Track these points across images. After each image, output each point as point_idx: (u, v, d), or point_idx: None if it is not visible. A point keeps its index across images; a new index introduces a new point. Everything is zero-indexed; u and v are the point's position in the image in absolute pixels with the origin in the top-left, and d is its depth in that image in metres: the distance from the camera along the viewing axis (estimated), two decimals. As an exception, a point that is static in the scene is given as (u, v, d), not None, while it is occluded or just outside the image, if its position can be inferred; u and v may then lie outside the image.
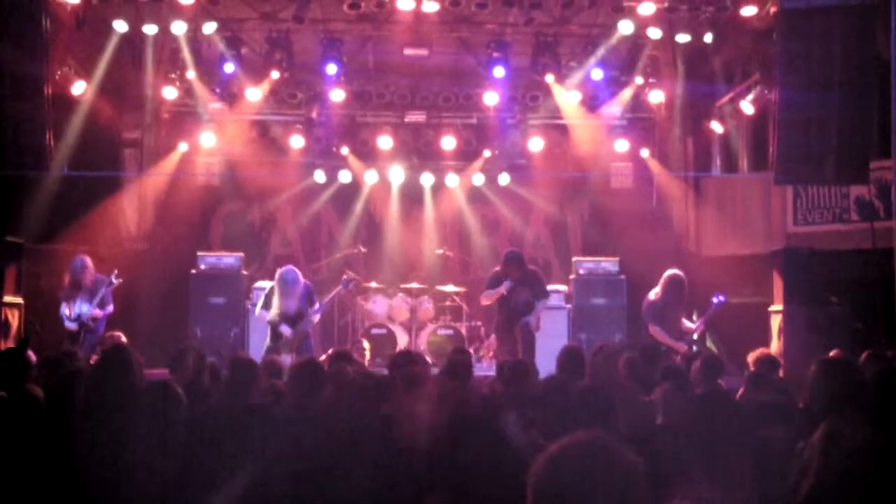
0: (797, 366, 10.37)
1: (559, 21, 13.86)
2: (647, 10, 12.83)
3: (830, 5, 11.10)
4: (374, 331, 14.30)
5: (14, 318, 12.40)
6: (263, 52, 14.22)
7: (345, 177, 16.01)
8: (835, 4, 11.08)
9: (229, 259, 14.58)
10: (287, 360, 10.44)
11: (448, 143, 15.90)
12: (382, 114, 16.03)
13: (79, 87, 13.19)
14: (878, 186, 12.32)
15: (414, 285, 14.92)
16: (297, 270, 11.37)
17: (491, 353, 13.62)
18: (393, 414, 4.75)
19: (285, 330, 11.04)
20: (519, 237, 16.63)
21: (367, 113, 16.06)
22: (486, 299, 11.74)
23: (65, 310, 11.54)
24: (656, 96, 15.33)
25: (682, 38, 13.89)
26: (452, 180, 16.24)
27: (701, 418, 6.46)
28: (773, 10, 11.85)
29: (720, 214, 15.19)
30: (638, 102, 15.57)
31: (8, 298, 12.35)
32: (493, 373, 9.65)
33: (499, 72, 14.09)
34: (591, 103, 15.22)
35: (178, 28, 13.45)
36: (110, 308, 11.72)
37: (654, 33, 13.62)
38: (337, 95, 14.87)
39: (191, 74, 14.42)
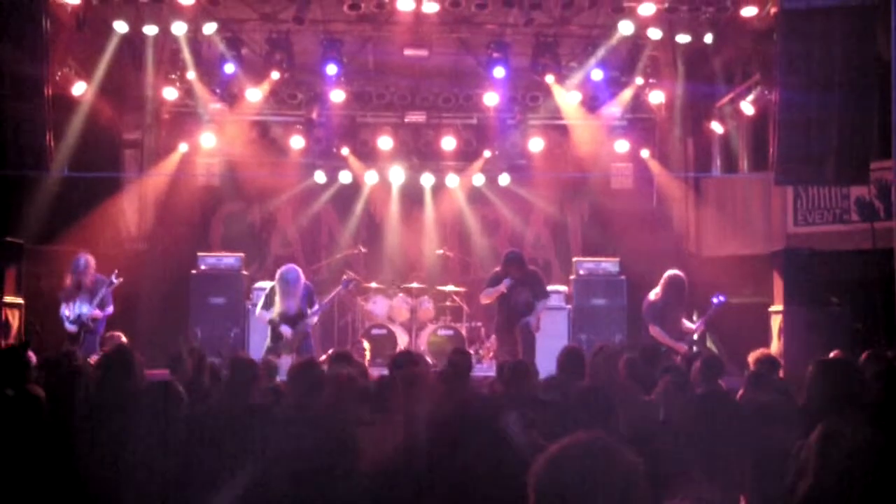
0: (797, 366, 10.35)
1: (559, 21, 13.86)
2: (647, 10, 12.82)
3: (831, 6, 11.09)
4: (375, 331, 14.30)
5: (14, 319, 12.39)
6: (264, 53, 14.22)
7: (345, 177, 16.01)
8: (835, 5, 11.08)
9: (229, 259, 14.58)
10: (287, 360, 10.45)
11: (448, 143, 15.90)
12: (382, 114, 16.03)
13: (79, 88, 13.19)
14: (879, 187, 12.32)
15: (414, 286, 14.92)
16: (298, 269, 11.37)
17: (491, 354, 13.62)
18: (393, 414, 4.76)
19: (285, 330, 11.05)
20: (519, 237, 16.62)
21: (367, 113, 16.06)
22: (486, 298, 11.74)
23: (65, 310, 11.55)
24: (656, 97, 15.33)
25: (683, 38, 13.89)
26: (452, 181, 16.24)
27: (701, 418, 6.48)
28: (773, 10, 11.85)
29: (720, 215, 15.19)
30: (638, 103, 15.57)
31: (8, 299, 12.34)
32: (493, 373, 9.65)
33: (499, 72, 14.09)
34: (592, 104, 15.23)
35: (179, 29, 13.46)
36: (110, 309, 11.72)
37: (655, 34, 13.62)
38: (337, 96, 14.87)
39: (191, 75, 14.42)
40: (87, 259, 11.65)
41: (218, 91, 14.66)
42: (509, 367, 7.11)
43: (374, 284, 15.01)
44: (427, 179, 16.26)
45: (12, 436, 4.94)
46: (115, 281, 11.59)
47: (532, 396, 5.52)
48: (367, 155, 16.09)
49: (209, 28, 13.58)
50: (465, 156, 16.26)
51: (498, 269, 11.73)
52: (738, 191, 15.04)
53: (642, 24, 13.35)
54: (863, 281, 12.23)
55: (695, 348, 10.99)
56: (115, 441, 4.66)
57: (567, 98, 14.92)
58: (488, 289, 11.66)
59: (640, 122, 16.15)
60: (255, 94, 14.59)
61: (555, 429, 4.34)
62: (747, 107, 13.84)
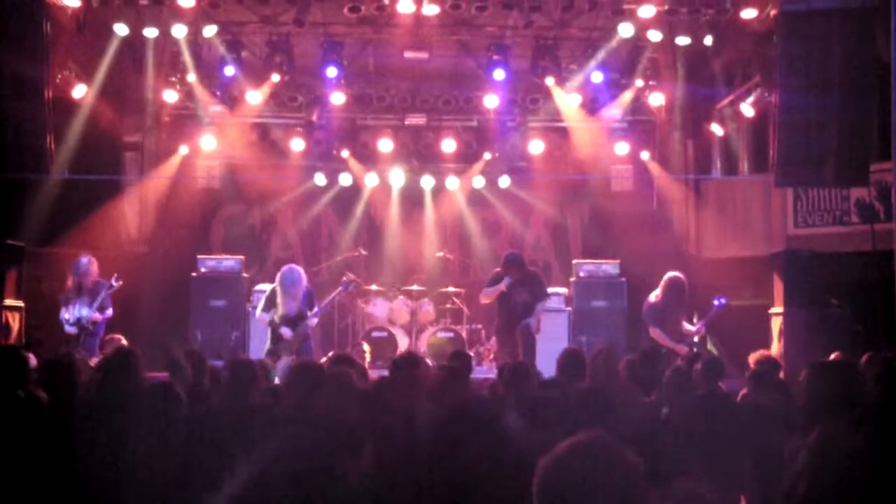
0: (797, 368, 10.32)
1: (559, 24, 13.87)
2: (647, 12, 12.83)
3: (830, 8, 11.10)
4: (375, 333, 14.30)
5: (15, 322, 12.40)
6: (264, 56, 14.23)
7: (345, 180, 16.02)
8: (835, 7, 11.09)
9: (230, 262, 14.59)
10: (287, 362, 10.44)
11: (448, 145, 15.91)
12: (383, 117, 16.04)
13: (79, 91, 13.21)
14: (879, 188, 12.32)
15: (414, 288, 14.93)
16: (300, 270, 11.36)
17: (491, 356, 13.63)
18: (394, 414, 4.76)
19: (285, 332, 11.04)
20: (519, 239, 16.63)
21: (367, 116, 16.08)
22: (486, 298, 11.74)
23: (64, 313, 11.55)
24: (656, 99, 15.34)
25: (683, 40, 13.89)
26: (453, 183, 16.25)
27: (701, 420, 6.48)
28: (773, 12, 11.86)
29: (720, 217, 15.20)
30: (638, 105, 15.58)
31: (8, 302, 12.35)
32: (493, 375, 9.65)
33: (499, 74, 14.10)
34: (592, 106, 15.23)
35: (179, 31, 13.47)
36: (110, 312, 11.72)
37: (655, 36, 13.62)
38: (337, 98, 14.89)
39: (191, 77, 14.43)
40: (89, 261, 11.66)
41: (218, 93, 14.67)
42: (509, 368, 7.12)
43: (374, 287, 15.02)
44: (427, 182, 16.27)
45: (15, 436, 4.94)
46: (114, 284, 11.60)
47: (532, 397, 5.52)
48: (368, 157, 16.10)
49: (209, 30, 13.59)
50: (466, 158, 16.27)
51: (498, 269, 11.73)
52: (738, 193, 15.05)
53: (642, 27, 13.36)
54: (863, 283, 12.22)
55: (695, 350, 10.98)
56: (115, 441, 4.66)
57: (567, 100, 14.93)
58: (487, 288, 11.67)
59: (640, 124, 16.16)
60: (255, 97, 14.60)
61: (555, 430, 4.35)
62: (747, 109, 13.85)
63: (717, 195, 15.51)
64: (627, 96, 15.14)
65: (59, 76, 12.53)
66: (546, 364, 9.03)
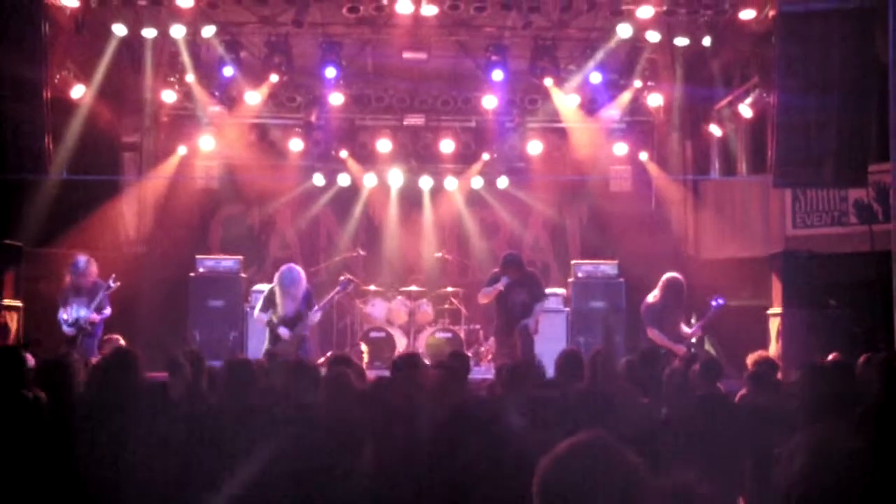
0: (796, 369, 10.37)
1: (558, 25, 13.88)
2: (645, 13, 12.84)
3: (829, 9, 11.12)
4: (373, 334, 14.29)
5: (13, 322, 12.40)
6: (262, 56, 14.23)
7: (344, 180, 16.02)
8: (833, 8, 11.11)
9: (228, 262, 14.59)
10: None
11: (447, 146, 15.91)
12: (381, 117, 16.04)
13: (78, 91, 13.21)
14: (877, 189, 12.34)
15: (413, 288, 14.93)
16: (299, 269, 11.34)
17: (490, 356, 13.63)
18: (393, 414, 4.76)
19: (283, 333, 11.02)
20: (518, 240, 16.63)
21: (365, 116, 16.08)
22: (484, 297, 11.73)
23: (62, 314, 11.54)
24: (655, 99, 15.35)
25: (681, 41, 13.90)
26: (451, 183, 16.25)
27: (700, 420, 6.48)
28: (771, 13, 11.88)
29: (719, 217, 15.21)
30: (636, 106, 15.59)
31: (6, 302, 12.35)
32: (491, 375, 9.65)
33: (497, 75, 14.11)
34: (590, 107, 15.24)
35: (177, 32, 13.47)
36: (108, 311, 11.71)
37: (653, 37, 13.63)
38: (336, 99, 14.89)
39: (190, 78, 14.43)
40: (87, 261, 11.64)
41: (217, 94, 14.67)
42: (508, 369, 7.12)
43: (372, 287, 15.02)
44: (426, 182, 16.27)
45: (14, 437, 4.94)
46: (112, 285, 11.60)
47: (532, 397, 5.52)
48: (366, 158, 16.10)
49: (208, 31, 13.59)
50: (464, 158, 16.26)
51: (496, 270, 11.74)
52: (736, 193, 15.06)
53: (641, 27, 13.36)
54: (861, 283, 12.24)
55: (693, 351, 10.98)
56: (114, 441, 4.66)
57: (565, 101, 14.93)
58: (486, 288, 11.67)
59: (638, 124, 16.17)
60: (253, 97, 14.60)
61: (555, 429, 4.35)
62: (746, 109, 13.86)
63: (716, 196, 15.52)
64: (626, 97, 15.14)
65: (58, 77, 12.53)
66: (544, 365, 9.02)
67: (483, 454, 3.80)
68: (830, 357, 8.49)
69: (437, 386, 5.16)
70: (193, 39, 13.91)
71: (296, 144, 15.62)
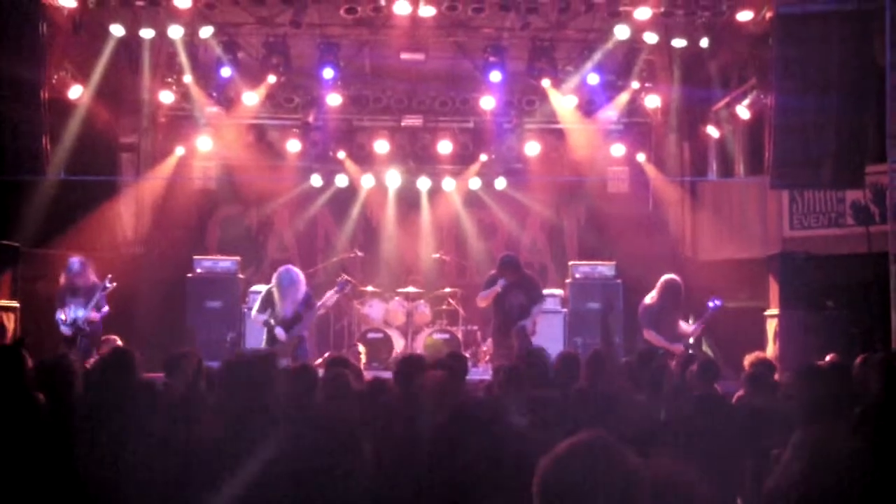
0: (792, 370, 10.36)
1: (556, 26, 13.89)
2: (643, 14, 12.86)
3: (827, 10, 11.14)
4: (371, 335, 14.30)
5: (10, 322, 12.38)
6: (260, 57, 14.25)
7: (341, 181, 16.02)
8: (831, 10, 11.12)
9: (226, 263, 14.60)
10: (283, 363, 10.42)
11: (444, 147, 15.91)
12: (379, 118, 16.04)
13: (76, 92, 13.20)
14: (874, 191, 12.35)
15: (410, 289, 14.93)
16: (297, 271, 11.33)
17: (487, 357, 13.63)
18: (393, 414, 4.77)
19: (280, 334, 11.02)
20: (515, 241, 16.64)
21: (363, 117, 16.08)
22: (482, 301, 11.74)
23: (60, 314, 11.55)
24: (652, 101, 15.36)
25: (679, 42, 13.90)
26: (449, 184, 16.24)
27: (697, 421, 6.49)
28: (769, 14, 11.89)
29: (716, 219, 15.22)
30: (634, 107, 15.61)
31: (3, 302, 12.33)
32: (489, 376, 9.65)
33: (495, 76, 14.12)
34: (588, 108, 15.22)
35: (175, 32, 13.46)
36: (106, 309, 11.72)
37: (651, 38, 13.63)
38: (334, 100, 14.89)
39: (187, 78, 14.42)
40: (80, 262, 11.64)
41: (214, 95, 14.66)
42: (506, 369, 7.13)
43: (370, 288, 15.01)
44: (423, 183, 16.27)
45: (13, 437, 4.94)
46: (108, 286, 11.60)
47: (531, 397, 5.54)
48: (364, 159, 16.09)
49: (206, 32, 13.58)
50: (462, 159, 16.26)
51: (493, 272, 11.74)
52: (734, 195, 15.06)
53: (638, 29, 13.37)
54: (858, 284, 12.26)
55: (690, 351, 10.98)
56: (114, 441, 4.66)
57: (563, 102, 14.93)
58: (483, 292, 11.68)
59: (636, 126, 16.19)
60: (251, 98, 14.59)
61: (555, 429, 4.36)
62: (743, 111, 13.87)
63: (713, 197, 15.53)
64: (623, 98, 15.15)
65: (56, 77, 12.53)
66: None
67: (483, 454, 3.81)
68: (828, 358, 8.51)
69: (437, 386, 5.17)
70: (191, 40, 13.89)
71: (293, 145, 15.62)
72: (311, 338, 12.97)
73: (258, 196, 16.35)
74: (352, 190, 16.22)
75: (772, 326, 13.06)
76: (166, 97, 14.84)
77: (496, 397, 6.64)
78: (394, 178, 16.05)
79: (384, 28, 13.92)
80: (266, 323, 11.12)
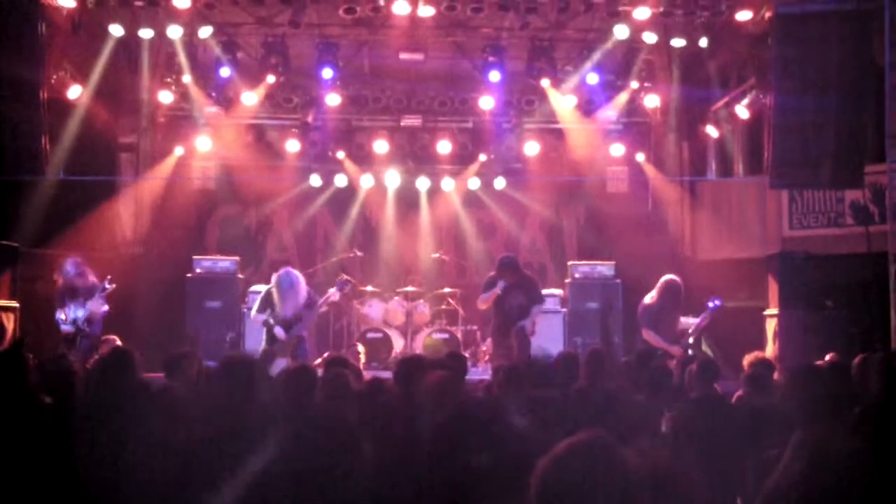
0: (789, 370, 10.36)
1: (555, 25, 13.89)
2: (642, 14, 12.87)
3: (826, 10, 11.14)
4: (370, 335, 14.29)
5: (9, 322, 12.38)
6: (259, 57, 14.24)
7: (341, 181, 16.01)
8: (830, 9, 11.13)
9: (225, 263, 14.59)
10: (282, 363, 10.45)
11: (444, 147, 15.90)
12: (378, 118, 16.04)
13: (75, 92, 13.19)
14: (874, 191, 12.36)
15: (410, 289, 14.92)
16: (296, 273, 11.33)
17: (486, 357, 13.64)
18: (393, 414, 4.76)
19: (279, 333, 11.02)
20: (515, 241, 16.65)
21: (363, 117, 16.07)
22: (483, 303, 11.75)
23: (60, 314, 11.55)
24: (652, 100, 15.36)
25: (678, 42, 13.90)
26: (448, 184, 16.24)
27: (697, 421, 6.49)
28: (768, 14, 11.89)
29: (716, 218, 15.22)
30: (633, 107, 15.61)
31: (3, 302, 12.33)
32: (488, 376, 9.65)
33: (494, 76, 14.12)
34: (587, 107, 15.22)
35: (174, 32, 13.46)
36: (105, 307, 11.72)
37: (650, 38, 13.64)
38: (333, 100, 14.89)
39: (187, 78, 14.42)
40: (76, 263, 11.62)
41: (213, 95, 14.65)
42: (505, 369, 7.13)
43: (369, 288, 15.01)
44: (423, 183, 16.27)
45: (14, 437, 4.94)
46: (107, 287, 11.60)
47: (531, 397, 5.54)
48: (363, 159, 16.09)
49: (205, 32, 13.58)
50: (461, 159, 16.26)
51: (493, 273, 11.74)
52: (733, 194, 15.06)
53: (637, 28, 13.38)
54: (858, 284, 12.26)
55: (690, 352, 10.99)
56: (114, 441, 4.66)
57: (562, 102, 14.93)
58: (484, 294, 11.67)
59: (635, 125, 16.19)
60: (250, 98, 14.58)
61: (555, 429, 4.36)
62: (742, 111, 13.87)
63: (713, 197, 15.53)
64: (623, 98, 15.16)
65: (55, 77, 12.53)
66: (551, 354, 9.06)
67: (483, 454, 3.81)
68: (827, 358, 8.51)
69: (437, 386, 5.17)
70: (190, 40, 13.89)
71: (292, 145, 15.62)
72: (311, 338, 12.97)
73: (257, 196, 16.35)
74: (351, 190, 16.22)
75: (771, 326, 13.06)
76: (165, 97, 14.85)
77: (496, 397, 6.63)
78: (393, 178, 16.05)
79: (383, 28, 13.92)
80: (266, 323, 11.12)
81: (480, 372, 13.07)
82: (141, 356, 6.18)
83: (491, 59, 14.08)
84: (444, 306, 14.96)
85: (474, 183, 16.26)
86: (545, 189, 16.50)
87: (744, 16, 12.64)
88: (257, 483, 3.59)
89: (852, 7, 10.99)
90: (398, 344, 14.32)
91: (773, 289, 13.26)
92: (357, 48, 14.88)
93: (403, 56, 14.63)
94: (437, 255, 15.79)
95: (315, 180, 15.94)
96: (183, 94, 14.92)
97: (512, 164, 16.16)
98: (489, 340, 12.80)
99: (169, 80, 14.77)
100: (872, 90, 11.03)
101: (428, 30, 13.87)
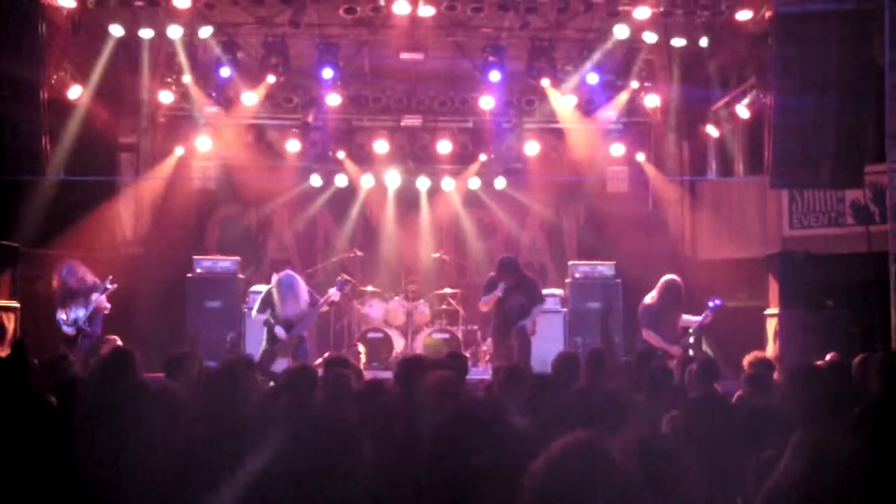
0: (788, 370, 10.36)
1: (555, 25, 13.89)
2: (642, 14, 12.87)
3: (826, 10, 11.14)
4: (371, 335, 14.30)
5: (10, 322, 12.39)
6: (259, 57, 14.24)
7: (341, 181, 16.02)
8: (830, 9, 11.13)
9: (225, 263, 14.59)
10: (283, 363, 10.48)
11: (444, 147, 15.90)
12: (378, 118, 16.04)
13: (75, 92, 13.20)
14: (874, 190, 12.36)
15: (410, 289, 14.92)
16: (296, 275, 11.35)
17: (487, 357, 13.64)
18: (393, 414, 4.76)
19: (280, 333, 11.03)
20: (515, 241, 16.66)
21: (363, 117, 16.08)
22: (484, 306, 11.76)
23: (61, 315, 11.57)
24: (652, 100, 15.36)
25: (678, 42, 13.90)
26: (448, 184, 16.25)
27: (697, 421, 6.49)
28: (768, 14, 11.89)
29: (716, 218, 15.22)
30: (633, 106, 15.61)
31: (3, 302, 12.34)
32: (488, 376, 9.66)
33: (494, 76, 14.12)
34: (587, 107, 15.22)
35: (175, 32, 13.46)
36: (107, 306, 11.73)
37: (650, 37, 13.64)
38: (333, 100, 14.89)
39: (187, 79, 14.42)
40: (72, 266, 11.64)
41: (214, 95, 14.65)
42: (505, 369, 7.12)
43: (370, 288, 15.01)
44: (423, 183, 16.27)
45: (15, 437, 4.94)
46: (108, 287, 11.61)
47: (532, 397, 5.54)
48: (363, 158, 16.09)
49: (205, 32, 13.58)
50: (461, 159, 16.26)
51: (493, 274, 11.73)
52: (733, 194, 15.06)
53: (637, 28, 13.38)
54: (858, 284, 12.26)
55: (690, 352, 10.98)
56: (115, 441, 4.66)
57: (562, 102, 14.94)
58: (485, 296, 11.67)
59: (635, 125, 16.19)
60: (250, 98, 14.59)
61: (554, 429, 4.35)
62: (742, 110, 13.87)
63: (713, 197, 15.53)
64: (623, 98, 15.16)
65: (55, 77, 12.53)
66: (541, 366, 9.03)
67: (483, 454, 3.81)
68: (828, 357, 8.51)
69: (437, 386, 5.17)
70: (190, 40, 13.89)
71: (293, 145, 15.63)
72: (311, 338, 12.98)
73: (257, 196, 16.35)
74: (351, 190, 16.22)
75: (771, 326, 13.06)
76: (165, 97, 14.85)
77: (496, 397, 6.63)
78: (393, 178, 16.05)
79: (383, 28, 13.92)
80: (266, 322, 11.14)
81: (481, 372, 13.08)
82: (141, 356, 6.19)
83: (491, 59, 14.08)
84: (444, 306, 14.97)
85: (474, 183, 16.26)
86: (545, 189, 16.50)
87: (744, 15, 12.64)
88: (257, 483, 3.60)
89: (852, 7, 10.99)
90: (399, 344, 14.32)
91: (773, 288, 13.26)
92: (357, 48, 14.88)
93: (404, 56, 14.64)
94: (437, 255, 15.80)
95: (315, 180, 15.94)
96: (183, 94, 14.92)
97: (512, 164, 16.16)
98: (489, 340, 12.80)
99: (169, 80, 14.78)
100: (872, 90, 11.03)
101: (428, 30, 13.87)
